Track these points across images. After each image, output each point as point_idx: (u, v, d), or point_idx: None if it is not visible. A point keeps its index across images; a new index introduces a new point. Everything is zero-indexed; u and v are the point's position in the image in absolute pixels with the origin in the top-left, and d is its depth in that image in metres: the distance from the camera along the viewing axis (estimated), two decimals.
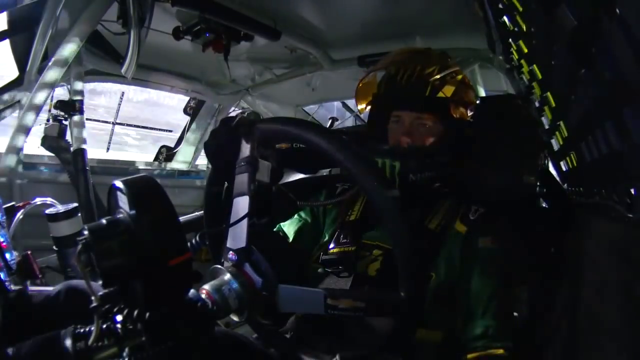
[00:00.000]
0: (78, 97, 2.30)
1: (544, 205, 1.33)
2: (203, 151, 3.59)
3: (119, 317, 0.61)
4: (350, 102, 3.83)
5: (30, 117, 2.04)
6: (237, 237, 0.78)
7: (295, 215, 1.26)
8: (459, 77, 1.13)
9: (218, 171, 1.00)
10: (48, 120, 2.37)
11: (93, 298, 0.60)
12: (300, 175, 1.75)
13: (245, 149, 0.83)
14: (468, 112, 1.15)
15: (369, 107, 1.23)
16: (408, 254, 0.68)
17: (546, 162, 1.32)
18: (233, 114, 0.90)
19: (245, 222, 0.78)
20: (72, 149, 2.34)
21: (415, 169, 1.05)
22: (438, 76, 1.09)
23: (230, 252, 0.78)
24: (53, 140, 2.38)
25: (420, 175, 1.05)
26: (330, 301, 0.71)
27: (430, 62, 1.12)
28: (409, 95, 1.11)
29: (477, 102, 1.18)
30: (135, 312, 0.60)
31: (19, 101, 2.07)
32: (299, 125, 0.77)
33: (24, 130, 2.07)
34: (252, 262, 0.76)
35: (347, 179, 1.26)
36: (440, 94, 1.09)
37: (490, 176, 1.22)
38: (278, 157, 0.88)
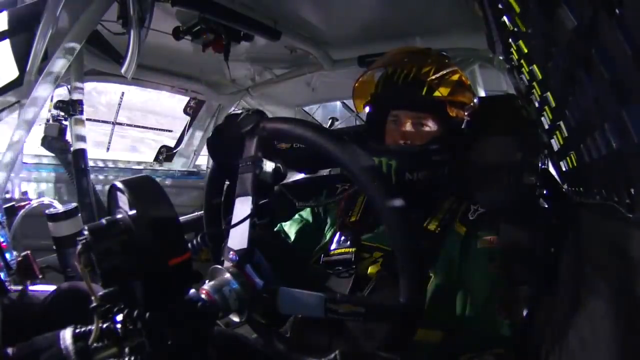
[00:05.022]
0: (78, 97, 2.30)
1: (544, 206, 1.33)
2: (203, 151, 3.61)
3: (119, 317, 0.61)
4: (350, 102, 3.83)
5: (30, 117, 2.04)
6: (239, 237, 0.77)
7: (297, 216, 1.26)
8: (456, 77, 1.13)
9: (219, 167, 0.99)
10: (48, 120, 2.37)
11: (93, 298, 0.60)
12: (300, 175, 1.75)
13: (249, 148, 0.82)
14: (465, 112, 1.15)
15: (367, 107, 1.23)
16: (410, 262, 0.68)
17: (546, 162, 1.32)
18: (238, 111, 0.88)
19: (247, 222, 0.77)
20: (72, 149, 2.34)
21: (411, 167, 1.05)
22: (434, 76, 1.09)
23: (232, 252, 0.78)
24: (53, 140, 2.38)
25: (417, 174, 1.06)
26: (330, 305, 0.71)
27: (426, 62, 1.12)
28: (405, 94, 1.11)
29: (475, 102, 1.18)
30: (135, 312, 0.60)
31: (18, 101, 2.07)
32: (306, 126, 0.76)
33: (24, 130, 2.07)
34: (254, 263, 0.76)
35: (347, 179, 1.26)
36: (437, 94, 1.09)
37: (490, 176, 1.22)
38: (283, 156, 0.87)
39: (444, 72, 1.11)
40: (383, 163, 1.04)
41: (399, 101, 1.13)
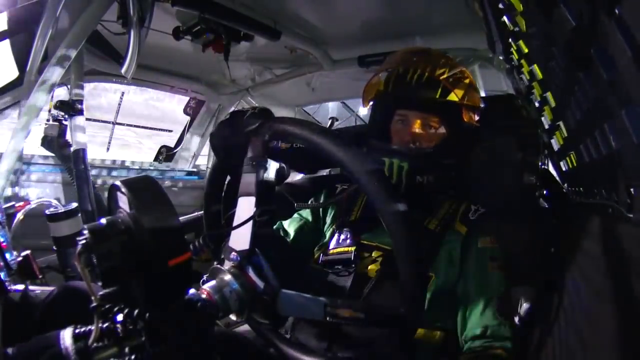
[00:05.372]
0: (78, 97, 2.30)
1: (544, 206, 1.33)
2: (203, 151, 3.60)
3: (119, 317, 0.61)
4: (350, 102, 3.83)
5: (30, 117, 2.04)
6: (241, 238, 0.77)
7: (296, 214, 1.26)
8: (467, 80, 1.12)
9: (220, 164, 0.99)
10: (48, 120, 2.37)
11: (93, 298, 0.60)
12: (300, 175, 1.75)
13: (254, 147, 0.81)
14: (475, 116, 1.14)
15: (372, 104, 1.21)
16: (411, 269, 0.68)
17: (546, 162, 1.32)
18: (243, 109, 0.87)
19: (250, 223, 0.77)
20: (72, 149, 2.34)
21: (423, 170, 1.05)
22: (448, 77, 1.08)
23: (233, 252, 0.77)
24: (53, 140, 2.38)
25: (427, 177, 1.05)
26: (331, 310, 0.71)
27: (439, 63, 1.10)
28: (419, 95, 1.10)
29: (482, 105, 1.17)
30: (135, 312, 0.60)
31: (19, 101, 2.07)
32: (313, 128, 0.75)
33: (24, 130, 2.07)
34: (255, 265, 0.76)
35: (346, 179, 1.26)
36: (452, 97, 1.08)
37: (490, 176, 1.22)
38: (283, 156, 0.87)
39: (457, 73, 1.10)
40: (395, 165, 1.04)
41: (411, 101, 1.11)
